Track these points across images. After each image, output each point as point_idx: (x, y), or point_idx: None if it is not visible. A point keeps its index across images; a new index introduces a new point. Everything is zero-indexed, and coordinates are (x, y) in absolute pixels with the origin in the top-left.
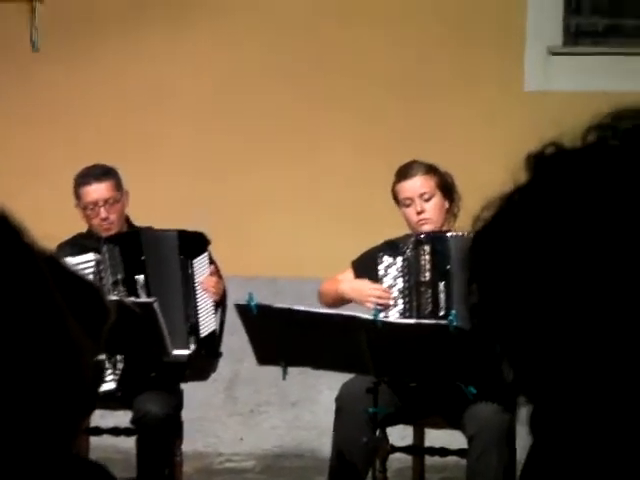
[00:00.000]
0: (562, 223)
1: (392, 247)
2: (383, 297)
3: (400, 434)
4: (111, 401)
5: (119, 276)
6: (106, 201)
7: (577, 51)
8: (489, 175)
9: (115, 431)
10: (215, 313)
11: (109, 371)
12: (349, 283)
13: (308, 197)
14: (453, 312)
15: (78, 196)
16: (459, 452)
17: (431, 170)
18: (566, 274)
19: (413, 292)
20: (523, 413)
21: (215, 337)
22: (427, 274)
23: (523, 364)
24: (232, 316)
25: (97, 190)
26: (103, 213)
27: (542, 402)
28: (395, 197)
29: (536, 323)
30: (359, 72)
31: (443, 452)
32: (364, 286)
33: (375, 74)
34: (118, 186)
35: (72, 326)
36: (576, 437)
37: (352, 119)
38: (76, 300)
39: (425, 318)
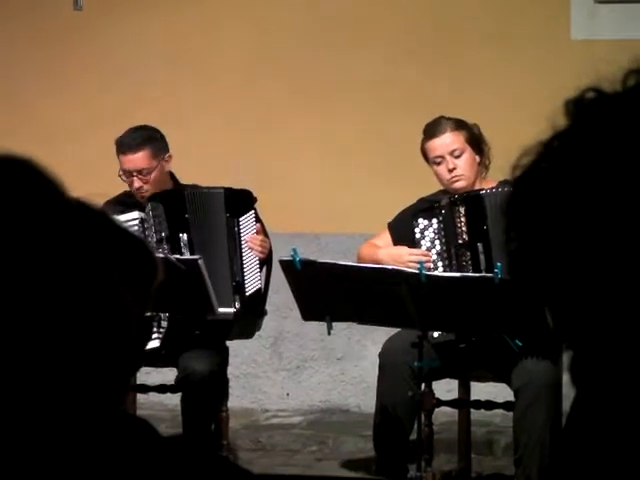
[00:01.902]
0: (602, 168)
1: (427, 207)
2: (423, 261)
3: (445, 387)
4: (156, 359)
5: (163, 234)
6: (140, 172)
7: None
8: (533, 126)
9: (161, 388)
10: (260, 271)
11: (153, 329)
12: (386, 250)
13: (352, 153)
14: (499, 264)
15: (118, 159)
16: (505, 405)
17: (459, 125)
18: (607, 219)
19: (452, 254)
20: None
21: (260, 295)
22: (465, 236)
23: (563, 309)
24: (277, 273)
25: (131, 160)
26: (136, 183)
27: (581, 347)
28: (425, 156)
29: (576, 268)
30: (398, 23)
31: (489, 405)
32: (402, 252)
33: (417, 24)
34: (155, 154)
35: (116, 282)
36: (615, 384)
37: (396, 72)
38: (125, 257)
39: None
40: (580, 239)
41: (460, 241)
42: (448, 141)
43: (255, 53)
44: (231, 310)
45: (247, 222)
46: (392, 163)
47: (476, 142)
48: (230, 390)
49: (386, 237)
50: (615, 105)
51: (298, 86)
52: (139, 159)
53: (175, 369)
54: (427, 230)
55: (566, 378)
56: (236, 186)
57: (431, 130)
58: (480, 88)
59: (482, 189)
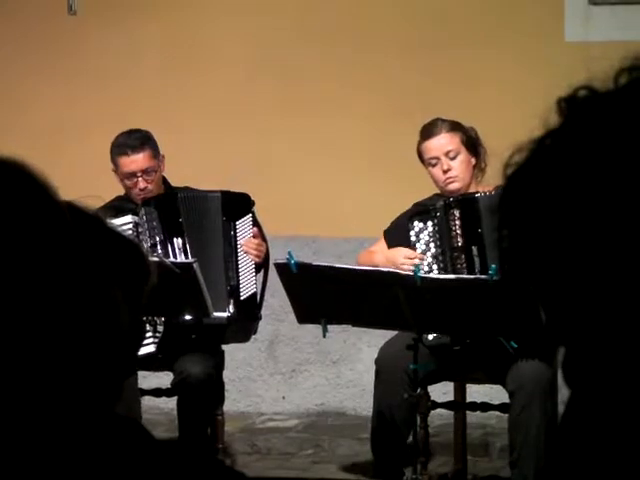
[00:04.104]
0: (595, 165)
1: (422, 211)
2: (417, 264)
3: (441, 390)
4: (152, 363)
5: (157, 238)
6: (144, 171)
7: (618, 0)
8: (526, 126)
9: (157, 392)
10: (256, 275)
11: (149, 334)
12: (382, 254)
13: (349, 156)
14: (493, 266)
15: (115, 164)
16: (500, 407)
17: (455, 127)
18: (599, 216)
19: (447, 257)
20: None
21: (255, 300)
22: (459, 239)
23: (555, 307)
24: (273, 277)
25: (135, 161)
26: (142, 184)
27: (574, 344)
28: (420, 157)
29: (568, 264)
30: (394, 24)
31: (484, 407)
32: (397, 254)
33: (410, 24)
34: (155, 153)
35: (108, 285)
36: (608, 381)
37: (394, 74)
38: (118, 259)
39: None
40: (572, 236)
41: (455, 244)
42: (443, 142)
43: (251, 55)
44: (224, 315)
45: (243, 226)
46: (389, 166)
47: (472, 144)
48: (226, 394)
49: (382, 244)
50: (607, 103)
51: (295, 89)
52: (144, 158)
53: (171, 373)
54: (422, 233)
55: (561, 381)
56: (233, 189)
57: (427, 131)
58: (474, 90)
59: (477, 192)
